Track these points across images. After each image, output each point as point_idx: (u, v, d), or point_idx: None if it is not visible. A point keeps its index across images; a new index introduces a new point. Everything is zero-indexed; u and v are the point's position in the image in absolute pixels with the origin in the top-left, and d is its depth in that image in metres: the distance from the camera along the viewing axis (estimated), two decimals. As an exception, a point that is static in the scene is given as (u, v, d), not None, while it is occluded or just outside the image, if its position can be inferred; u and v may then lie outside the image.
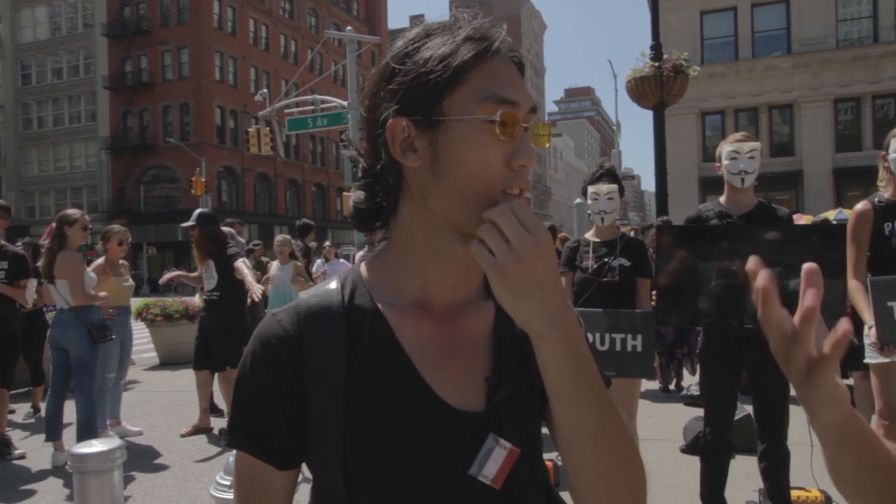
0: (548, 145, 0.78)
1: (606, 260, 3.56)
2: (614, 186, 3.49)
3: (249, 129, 21.28)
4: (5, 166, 45.06)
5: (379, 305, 0.85)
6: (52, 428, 5.05)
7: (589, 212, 3.65)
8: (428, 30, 0.82)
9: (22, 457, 5.24)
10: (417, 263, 0.86)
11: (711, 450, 3.33)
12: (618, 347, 3.30)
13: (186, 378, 7.55)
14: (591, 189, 3.51)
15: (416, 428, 0.81)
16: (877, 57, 21.24)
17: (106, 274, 5.67)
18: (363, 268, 0.91)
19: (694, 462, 3.57)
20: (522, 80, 0.83)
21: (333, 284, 0.89)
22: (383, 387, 0.81)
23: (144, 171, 41.31)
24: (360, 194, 0.89)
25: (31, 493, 4.48)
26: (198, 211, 5.07)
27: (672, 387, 7.17)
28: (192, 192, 27.83)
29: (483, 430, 0.82)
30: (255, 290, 4.85)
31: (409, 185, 0.82)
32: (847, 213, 9.64)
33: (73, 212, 5.11)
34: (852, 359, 3.48)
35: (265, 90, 22.93)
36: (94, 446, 2.28)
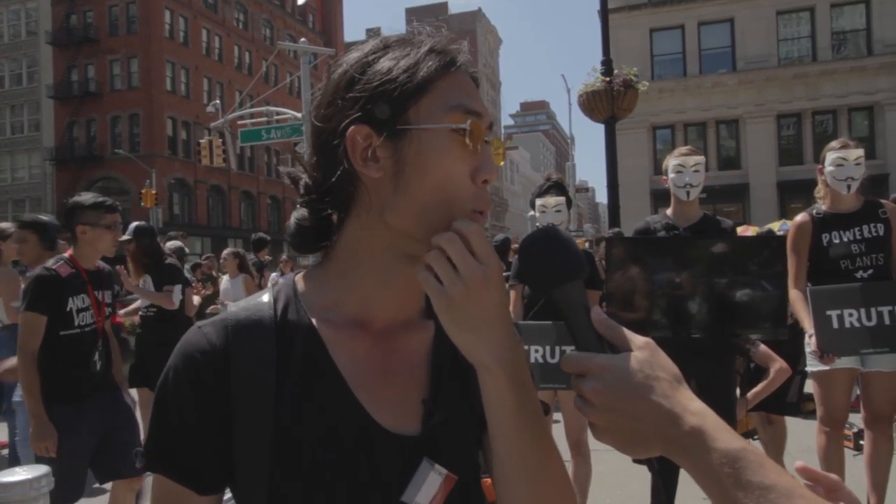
0: (503, 163, 0.76)
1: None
2: (562, 199, 3.51)
3: (201, 141, 20.84)
4: (-58, 178, 43.03)
5: (313, 321, 0.81)
6: (-18, 454, 4.78)
7: (537, 224, 3.66)
8: (386, 41, 0.81)
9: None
10: (359, 280, 0.82)
11: (662, 460, 3.35)
12: (569, 360, 3.30)
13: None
14: (538, 202, 3.53)
15: (347, 450, 0.77)
16: (815, 75, 22.19)
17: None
18: (299, 280, 0.87)
19: (645, 472, 3.60)
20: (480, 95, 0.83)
21: (265, 297, 0.84)
22: (314, 406, 0.77)
23: (92, 184, 39.92)
24: (304, 212, 0.85)
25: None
26: (134, 224, 4.91)
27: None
28: (142, 204, 27.07)
29: (418, 455, 0.79)
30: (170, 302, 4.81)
31: (366, 198, 0.79)
32: (790, 225, 9.97)
33: (6, 225, 4.88)
34: (773, 402, 3.58)
35: (218, 101, 22.54)
36: (18, 474, 2.14)
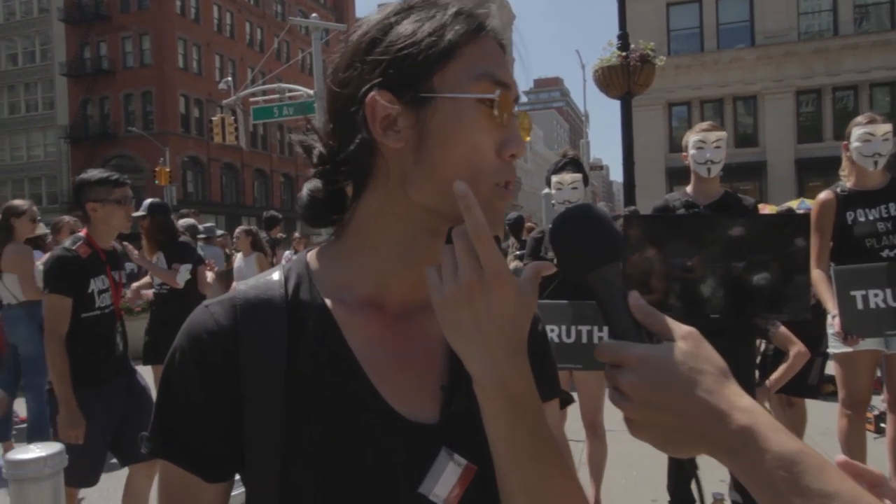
0: (529, 138, 0.71)
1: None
2: (578, 176, 3.44)
3: (213, 118, 20.81)
4: (-42, 156, 43.45)
5: (326, 301, 0.77)
6: (1, 429, 4.84)
7: (553, 202, 3.59)
8: (409, 2, 0.75)
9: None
10: (377, 257, 0.77)
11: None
12: (584, 340, 3.25)
13: (147, 374, 7.33)
14: (554, 178, 3.46)
15: (361, 438, 0.73)
16: (836, 50, 21.69)
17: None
18: (311, 258, 0.82)
19: (661, 453, 3.56)
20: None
21: (276, 275, 0.79)
22: (327, 391, 0.73)
23: (106, 161, 40.09)
24: (317, 183, 0.80)
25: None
26: (148, 200, 4.90)
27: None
28: (157, 182, 27.18)
29: (436, 444, 0.75)
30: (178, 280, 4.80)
31: (384, 169, 0.74)
32: (809, 203, 9.82)
33: (20, 203, 4.90)
34: (794, 384, 3.49)
35: (230, 78, 22.43)
36: (32, 451, 2.15)
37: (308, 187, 0.82)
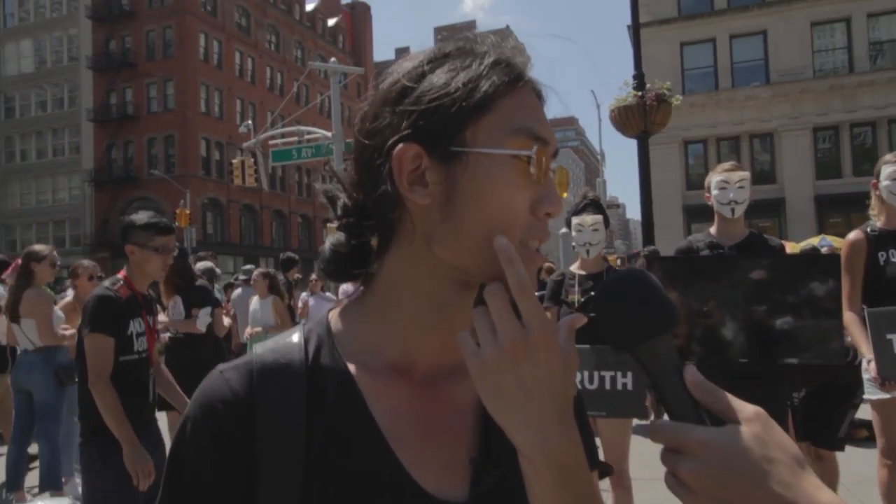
0: (566, 194, 0.65)
1: (593, 294, 3.44)
2: (599, 217, 3.38)
3: (234, 161, 21.14)
4: (-14, 199, 44.52)
5: (349, 366, 0.71)
6: (13, 477, 4.77)
7: (573, 244, 3.53)
8: (443, 50, 0.70)
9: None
10: (403, 318, 0.72)
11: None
12: (607, 386, 3.15)
13: (161, 420, 7.26)
14: (575, 220, 3.40)
15: None
16: (852, 87, 21.66)
17: (76, 312, 5.43)
18: (334, 318, 0.76)
19: (690, 505, 3.40)
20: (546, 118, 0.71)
21: (295, 337, 0.73)
22: (348, 465, 0.67)
23: (128, 204, 40.88)
24: (340, 237, 0.75)
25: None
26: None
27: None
28: (177, 224, 27.57)
29: None
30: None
31: (410, 225, 0.69)
32: (830, 240, 9.64)
33: (41, 248, 4.93)
34: (824, 436, 3.32)
35: (250, 122, 22.89)
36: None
37: (330, 240, 0.77)
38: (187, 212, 28.00)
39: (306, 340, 0.73)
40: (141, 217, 2.98)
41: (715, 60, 23.22)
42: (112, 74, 41.27)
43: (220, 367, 0.72)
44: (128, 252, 2.94)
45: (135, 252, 2.92)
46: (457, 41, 0.72)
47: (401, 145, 0.66)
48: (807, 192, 21.89)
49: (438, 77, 0.67)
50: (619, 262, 16.32)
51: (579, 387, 3.12)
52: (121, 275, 3.00)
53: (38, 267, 4.80)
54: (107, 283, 2.95)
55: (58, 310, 5.03)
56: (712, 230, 3.32)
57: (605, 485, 3.54)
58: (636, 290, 0.60)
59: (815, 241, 11.93)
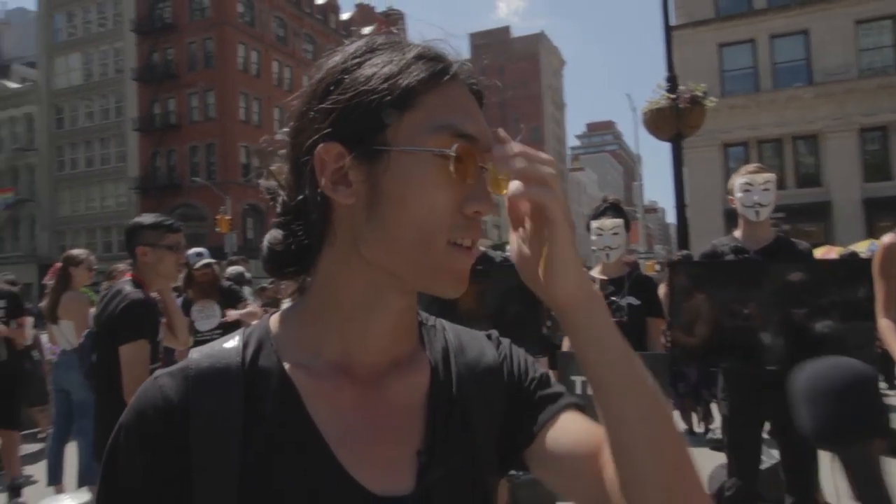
0: (505, 192, 0.64)
1: (614, 299, 3.38)
2: (619, 221, 3.33)
3: (272, 168, 21.49)
4: (39, 207, 46.26)
5: (288, 369, 0.70)
6: (53, 473, 4.94)
7: (593, 248, 3.48)
8: (372, 44, 0.69)
9: (23, 504, 5.14)
10: (340, 320, 0.71)
11: (736, 502, 3.09)
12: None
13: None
14: (594, 224, 3.36)
15: None
16: (902, 86, 20.89)
17: (78, 304, 5.57)
18: (274, 322, 0.76)
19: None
20: (482, 113, 0.69)
21: (234, 341, 0.73)
22: (287, 470, 0.66)
23: (172, 210, 42.00)
24: (277, 233, 0.76)
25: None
26: (201, 250, 5.01)
27: (699, 428, 6.84)
28: (217, 230, 28.15)
29: None
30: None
31: (337, 225, 0.68)
32: (878, 245, 9.28)
33: (78, 252, 5.10)
34: None
35: (287, 129, 23.18)
36: (62, 501, 2.16)
37: (267, 238, 0.77)
38: (228, 217, 28.57)
39: (245, 345, 0.72)
40: (148, 217, 2.89)
41: (755, 61, 22.68)
42: (155, 85, 42.52)
43: (157, 373, 0.72)
44: (139, 254, 2.81)
45: (147, 253, 2.80)
46: (388, 34, 0.71)
47: (322, 144, 0.66)
48: (854, 194, 21.17)
49: (362, 72, 0.66)
50: (657, 267, 15.99)
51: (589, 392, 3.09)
52: (128, 277, 2.89)
53: (76, 270, 4.97)
54: (127, 287, 2.77)
55: (93, 311, 5.19)
56: (737, 234, 3.24)
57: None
58: (855, 393, 0.59)
59: (863, 245, 11.52)
